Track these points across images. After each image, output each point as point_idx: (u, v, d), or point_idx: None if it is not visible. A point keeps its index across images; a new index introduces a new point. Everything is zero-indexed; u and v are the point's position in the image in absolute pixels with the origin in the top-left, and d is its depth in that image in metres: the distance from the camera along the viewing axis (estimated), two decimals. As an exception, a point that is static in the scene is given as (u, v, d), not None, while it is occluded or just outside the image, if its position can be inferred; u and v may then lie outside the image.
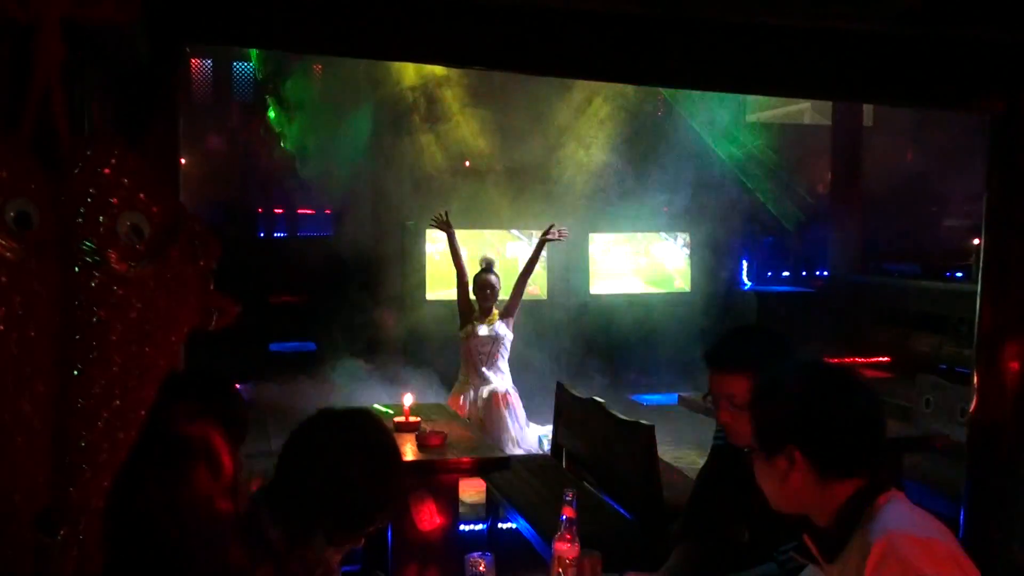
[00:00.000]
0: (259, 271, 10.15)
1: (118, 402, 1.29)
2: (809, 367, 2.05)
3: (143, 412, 1.33)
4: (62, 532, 1.27)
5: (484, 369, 6.51)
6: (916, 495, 4.90)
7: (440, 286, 9.09)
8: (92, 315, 1.25)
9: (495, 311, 6.60)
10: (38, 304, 1.20)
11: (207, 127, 10.96)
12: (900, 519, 1.84)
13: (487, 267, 6.69)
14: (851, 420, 1.92)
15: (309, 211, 11.66)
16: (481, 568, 2.38)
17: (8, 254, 1.15)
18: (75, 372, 1.25)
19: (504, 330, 6.56)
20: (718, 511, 3.03)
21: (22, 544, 1.22)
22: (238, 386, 2.22)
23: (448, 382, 7.01)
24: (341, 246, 10.03)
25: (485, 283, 6.63)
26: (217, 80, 11.83)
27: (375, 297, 9.13)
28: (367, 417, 2.40)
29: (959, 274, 10.28)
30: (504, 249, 9.33)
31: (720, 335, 2.90)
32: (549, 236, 6.59)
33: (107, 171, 1.26)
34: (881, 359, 9.58)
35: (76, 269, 1.25)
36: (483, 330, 6.54)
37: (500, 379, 6.53)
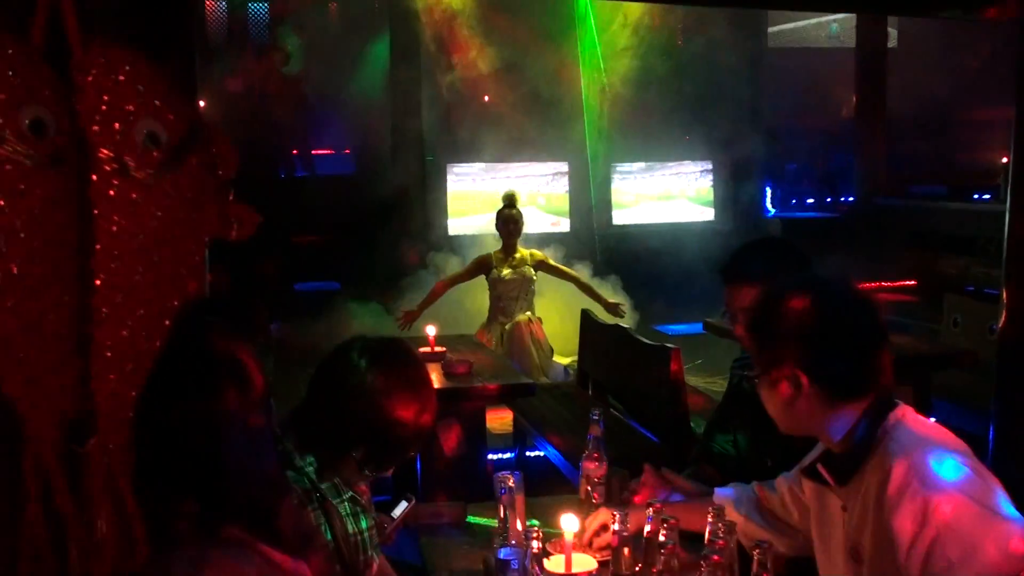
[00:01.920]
0: (281, 212, 10.14)
1: (141, 311, 1.28)
2: (807, 282, 1.97)
3: (167, 322, 1.32)
4: (91, 441, 1.27)
5: (511, 306, 6.52)
6: (945, 413, 4.92)
7: (462, 219, 9.08)
8: (112, 223, 1.24)
9: (521, 250, 6.55)
10: (57, 211, 1.19)
11: (224, 70, 10.89)
12: (915, 439, 1.80)
13: (509, 203, 6.64)
14: (854, 338, 1.86)
15: (328, 151, 11.61)
16: (510, 483, 2.39)
17: (25, 160, 1.14)
18: (97, 281, 1.24)
19: (531, 272, 6.54)
20: (735, 440, 3.03)
21: (51, 452, 1.22)
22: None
23: (473, 316, 7.02)
24: (362, 184, 10.01)
25: (508, 218, 6.59)
26: (232, 22, 11.74)
27: (398, 233, 9.11)
28: (399, 345, 2.40)
29: (986, 196, 10.16)
30: (527, 183, 9.26)
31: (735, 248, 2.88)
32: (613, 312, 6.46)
33: (121, 78, 1.24)
34: (908, 283, 9.52)
35: (94, 177, 1.23)
36: (508, 273, 6.52)
37: (525, 311, 6.54)
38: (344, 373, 2.25)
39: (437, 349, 4.72)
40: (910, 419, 1.86)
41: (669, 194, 10.04)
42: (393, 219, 9.27)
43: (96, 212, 1.23)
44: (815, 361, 1.84)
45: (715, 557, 1.91)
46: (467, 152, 9.05)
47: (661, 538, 2.01)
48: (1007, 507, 1.74)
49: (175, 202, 1.29)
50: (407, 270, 8.39)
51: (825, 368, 1.84)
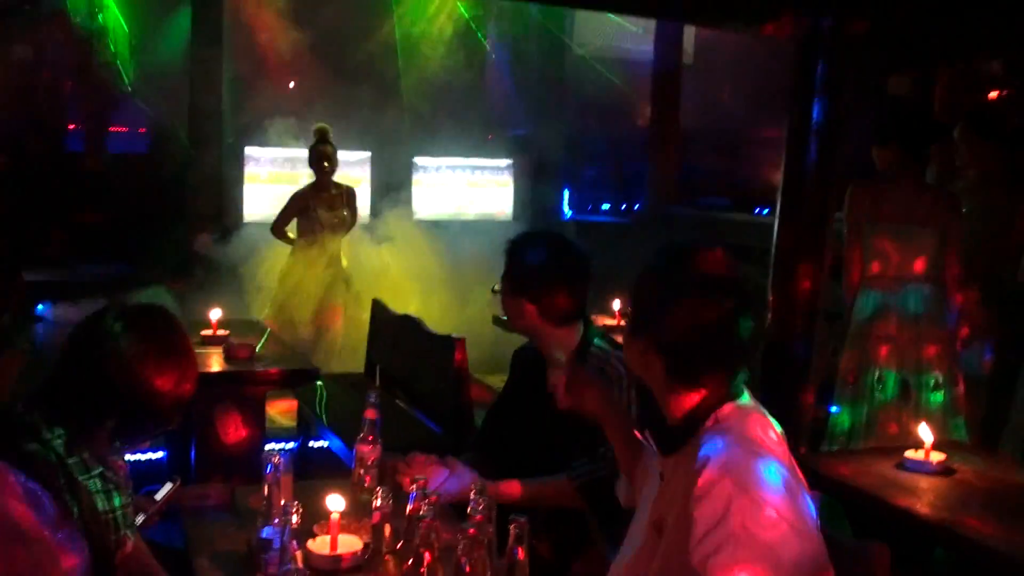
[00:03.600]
0: (66, 189, 9.64)
1: None
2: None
3: None
4: None
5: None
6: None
7: (257, 208, 8.85)
8: None
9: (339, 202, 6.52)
10: None
11: (12, 36, 10.23)
12: (730, 444, 1.78)
13: (322, 137, 6.55)
14: (703, 330, 1.85)
15: (122, 128, 11.10)
16: (275, 460, 2.35)
17: None
18: None
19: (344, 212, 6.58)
20: (513, 421, 3.10)
21: None
22: (39, 307, 2.11)
23: (262, 303, 6.89)
24: (155, 165, 9.62)
25: (322, 154, 6.51)
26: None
27: (192, 217, 8.82)
28: (158, 311, 2.32)
29: (765, 211, 10.75)
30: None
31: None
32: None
33: None
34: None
35: None
36: (324, 216, 6.49)
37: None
38: (97, 338, 2.16)
39: (220, 332, 4.60)
40: (737, 419, 1.85)
41: (470, 191, 10.12)
42: (187, 202, 8.96)
43: None
44: (670, 345, 1.87)
45: (471, 531, 1.93)
46: (267, 136, 8.83)
47: (421, 513, 2.02)
48: (810, 523, 1.76)
49: None
50: (199, 254, 8.13)
51: (673, 352, 1.87)
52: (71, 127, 10.99)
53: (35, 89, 10.09)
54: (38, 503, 1.98)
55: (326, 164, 6.54)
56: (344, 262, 6.88)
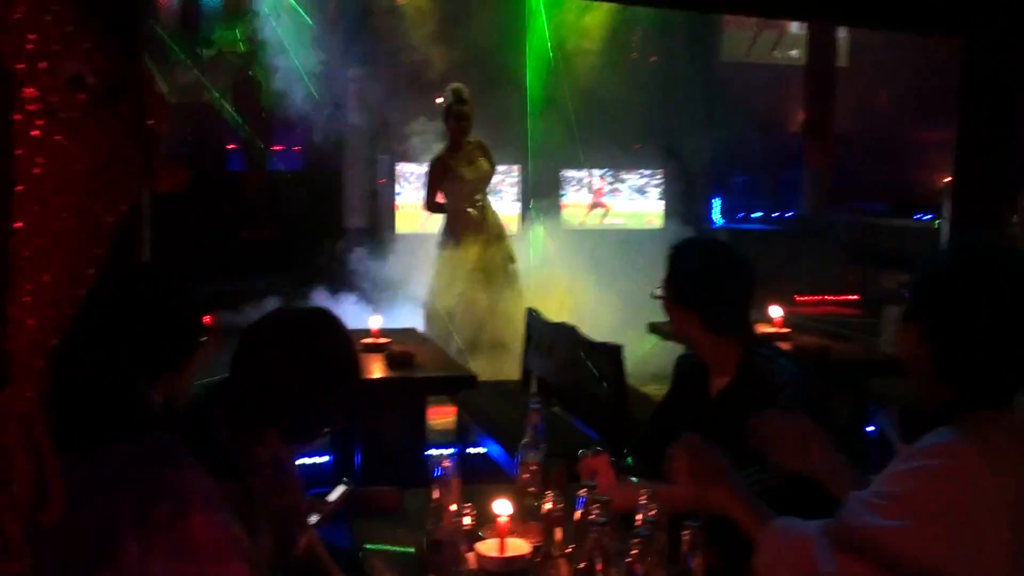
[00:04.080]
0: (228, 207, 10.06)
1: (64, 257, 1.25)
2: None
3: (92, 271, 1.29)
4: (6, 389, 1.24)
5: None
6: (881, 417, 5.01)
7: (408, 222, 9.02)
8: (34, 165, 1.21)
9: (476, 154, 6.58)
10: (-23, 149, 1.16)
11: (175, 62, 10.75)
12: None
13: (458, 97, 6.65)
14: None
15: (279, 147, 11.52)
16: (445, 464, 2.37)
17: (-57, 94, 1.11)
18: (18, 224, 1.21)
19: (486, 165, 6.69)
20: (675, 428, 3.05)
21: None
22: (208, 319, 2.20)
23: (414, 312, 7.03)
24: (311, 181, 9.94)
25: (460, 113, 6.62)
26: (185, 11, 11.58)
27: (345, 232, 9.07)
28: (322, 315, 2.38)
29: (927, 216, 10.34)
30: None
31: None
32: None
33: (49, 17, 1.21)
34: (850, 296, 9.64)
35: (17, 117, 1.20)
36: (468, 173, 6.58)
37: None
38: (267, 341, 2.23)
39: (380, 340, 4.70)
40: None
41: (618, 199, 10.07)
42: (340, 217, 9.22)
43: (19, 153, 1.19)
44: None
45: (643, 538, 1.91)
46: (417, 152, 8.99)
47: (591, 518, 2.00)
48: None
49: (102, 148, 1.26)
50: (354, 266, 8.34)
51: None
52: (230, 147, 11.47)
53: (199, 110, 10.55)
54: (216, 497, 2.05)
55: (464, 123, 6.63)
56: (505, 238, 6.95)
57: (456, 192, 6.74)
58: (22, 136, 1.21)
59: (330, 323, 2.34)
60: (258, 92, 10.29)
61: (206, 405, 2.23)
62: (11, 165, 1.20)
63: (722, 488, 2.08)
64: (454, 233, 6.77)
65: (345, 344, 2.33)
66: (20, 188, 1.21)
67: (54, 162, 1.22)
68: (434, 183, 6.85)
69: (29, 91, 1.21)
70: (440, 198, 6.84)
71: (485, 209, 6.89)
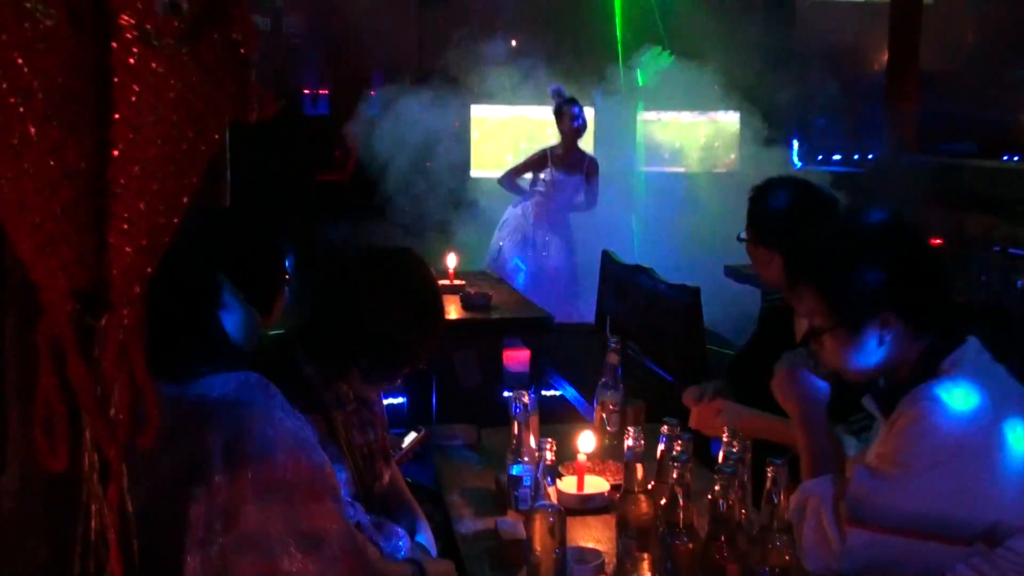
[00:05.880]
0: (305, 150, 10.16)
1: (159, 185, 1.26)
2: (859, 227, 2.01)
3: (185, 199, 1.31)
4: (105, 315, 1.26)
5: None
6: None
7: (485, 163, 8.99)
8: (131, 93, 1.22)
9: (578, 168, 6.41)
10: (75, 77, 1.17)
11: (250, 7, 10.83)
12: (949, 388, 1.79)
13: (571, 99, 6.52)
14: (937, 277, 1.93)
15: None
16: (524, 399, 2.39)
17: (46, 20, 1.12)
18: (115, 152, 1.23)
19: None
20: (760, 374, 3.01)
21: (66, 323, 1.22)
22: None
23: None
24: (386, 125, 9.94)
25: (573, 115, 6.49)
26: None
27: (420, 175, 9.07)
28: (408, 255, 2.39)
29: (1017, 157, 10.00)
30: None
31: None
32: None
33: (142, -56, 1.21)
34: (934, 241, 9.39)
35: (114, 44, 1.21)
36: (560, 179, 6.48)
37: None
38: (351, 280, 2.25)
39: (456, 282, 4.71)
40: (964, 365, 1.86)
41: (696, 143, 9.91)
42: (416, 159, 9.21)
43: (116, 80, 1.20)
44: (907, 297, 1.89)
45: (727, 475, 1.90)
46: (493, 95, 8.93)
47: (674, 453, 1.99)
48: None
49: (195, 76, 1.26)
50: (430, 210, 8.36)
51: (912, 302, 1.89)
52: (306, 92, 11.54)
53: (278, 50, 10.61)
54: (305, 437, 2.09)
55: (576, 125, 6.47)
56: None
57: (545, 188, 6.57)
58: (119, 63, 1.22)
59: (416, 262, 2.36)
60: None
61: (291, 343, 2.27)
62: (110, 92, 1.21)
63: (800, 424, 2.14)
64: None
65: (431, 283, 2.35)
66: (117, 116, 1.22)
67: (149, 90, 1.23)
68: (525, 165, 6.71)
69: (124, 18, 1.21)
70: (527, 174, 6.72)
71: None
